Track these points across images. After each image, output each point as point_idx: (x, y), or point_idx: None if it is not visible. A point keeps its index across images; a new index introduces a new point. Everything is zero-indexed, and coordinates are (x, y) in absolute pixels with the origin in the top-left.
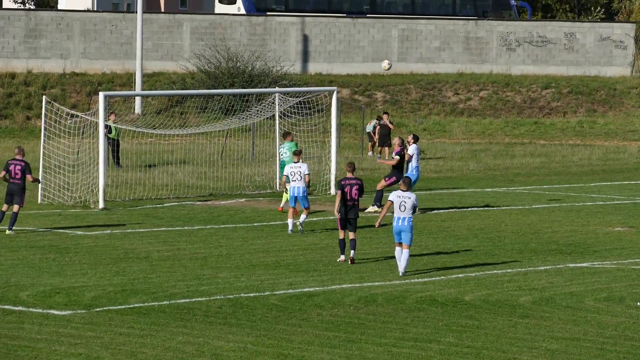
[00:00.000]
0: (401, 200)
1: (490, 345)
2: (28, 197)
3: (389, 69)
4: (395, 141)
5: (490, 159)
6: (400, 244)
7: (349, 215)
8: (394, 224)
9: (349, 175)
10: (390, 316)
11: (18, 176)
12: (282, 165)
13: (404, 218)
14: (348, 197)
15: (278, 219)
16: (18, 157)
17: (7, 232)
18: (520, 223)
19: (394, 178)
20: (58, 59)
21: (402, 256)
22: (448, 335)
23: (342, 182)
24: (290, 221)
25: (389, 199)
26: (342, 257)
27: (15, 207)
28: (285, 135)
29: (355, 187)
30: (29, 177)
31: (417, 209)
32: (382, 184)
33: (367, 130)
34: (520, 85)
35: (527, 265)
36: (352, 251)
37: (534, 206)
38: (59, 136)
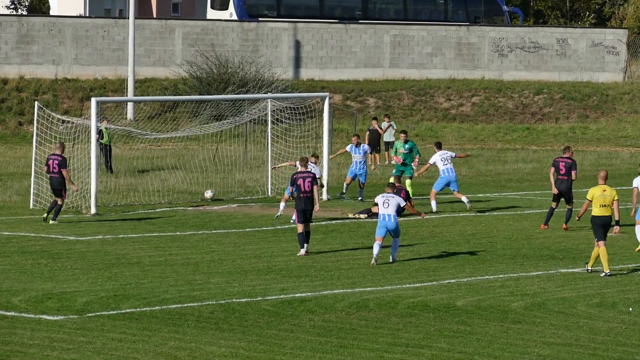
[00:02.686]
0: (384, 199)
1: (482, 350)
2: (21, 202)
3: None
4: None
5: (482, 165)
6: (381, 239)
7: (306, 207)
8: (380, 220)
9: (301, 169)
10: (382, 321)
11: (55, 170)
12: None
13: (389, 215)
14: (302, 190)
15: (269, 224)
16: (57, 151)
17: (51, 222)
18: (512, 229)
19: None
20: (50, 64)
21: (393, 245)
22: (440, 340)
23: (295, 176)
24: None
25: (375, 199)
26: (303, 251)
27: (59, 200)
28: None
29: (307, 180)
30: (63, 172)
31: (401, 209)
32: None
33: (385, 140)
34: (512, 91)
35: (519, 270)
36: (305, 244)
37: (526, 212)
38: (51, 142)
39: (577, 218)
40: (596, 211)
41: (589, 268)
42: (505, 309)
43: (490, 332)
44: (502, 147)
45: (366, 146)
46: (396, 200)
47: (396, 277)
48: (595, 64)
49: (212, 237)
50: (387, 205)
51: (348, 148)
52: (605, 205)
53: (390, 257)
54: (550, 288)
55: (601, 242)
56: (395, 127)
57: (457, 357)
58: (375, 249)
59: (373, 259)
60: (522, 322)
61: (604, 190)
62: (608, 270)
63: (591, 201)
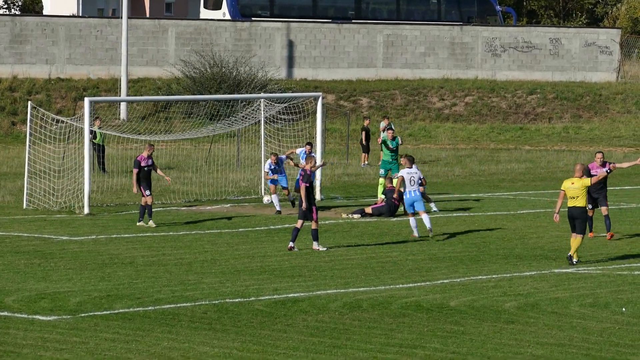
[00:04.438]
0: (410, 175)
1: (476, 351)
2: (14, 202)
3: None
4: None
5: (475, 165)
6: (413, 214)
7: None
8: (407, 197)
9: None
10: (376, 322)
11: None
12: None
13: (415, 190)
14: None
15: (262, 224)
16: (147, 152)
17: (146, 223)
18: (505, 229)
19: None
20: (43, 64)
21: (425, 219)
22: (433, 340)
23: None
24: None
25: (399, 174)
26: (292, 244)
27: (149, 200)
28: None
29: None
30: (158, 172)
31: (424, 182)
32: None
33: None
34: (505, 91)
35: (512, 270)
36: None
37: (519, 212)
38: (44, 141)
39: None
40: (568, 203)
41: (571, 256)
42: (499, 309)
43: (483, 332)
44: (495, 147)
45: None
46: (418, 174)
47: (389, 278)
48: (588, 63)
49: (206, 237)
50: (413, 182)
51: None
52: (574, 197)
53: (428, 226)
54: (543, 288)
55: (574, 234)
56: (393, 129)
57: (450, 358)
58: (412, 223)
59: (415, 232)
60: (516, 322)
61: (572, 183)
62: (571, 254)
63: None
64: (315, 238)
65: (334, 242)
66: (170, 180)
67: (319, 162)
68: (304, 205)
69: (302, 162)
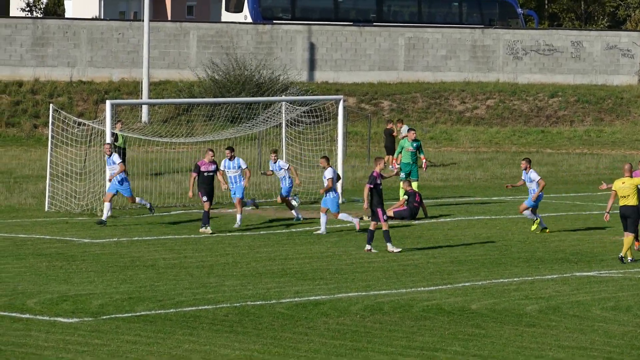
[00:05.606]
0: None
1: (497, 354)
2: (36, 205)
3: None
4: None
5: (497, 168)
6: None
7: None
8: None
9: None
10: (397, 325)
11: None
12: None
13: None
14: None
15: (283, 227)
16: (209, 157)
17: (203, 229)
18: (527, 232)
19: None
20: (65, 67)
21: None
22: (454, 343)
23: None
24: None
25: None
26: (369, 247)
27: (205, 206)
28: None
29: None
30: (219, 176)
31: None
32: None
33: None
34: (527, 94)
35: (534, 274)
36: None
37: (540, 215)
38: (66, 144)
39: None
40: (619, 202)
41: (623, 257)
42: (520, 312)
43: (504, 335)
44: (517, 150)
45: (241, 160)
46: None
47: (410, 281)
48: (610, 67)
49: (227, 240)
50: None
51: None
52: (625, 197)
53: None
54: (565, 291)
55: (626, 233)
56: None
57: None
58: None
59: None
60: (537, 325)
61: (623, 182)
62: (622, 255)
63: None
64: (388, 239)
65: (355, 245)
66: (226, 188)
67: (283, 164)
68: (364, 205)
69: (278, 172)
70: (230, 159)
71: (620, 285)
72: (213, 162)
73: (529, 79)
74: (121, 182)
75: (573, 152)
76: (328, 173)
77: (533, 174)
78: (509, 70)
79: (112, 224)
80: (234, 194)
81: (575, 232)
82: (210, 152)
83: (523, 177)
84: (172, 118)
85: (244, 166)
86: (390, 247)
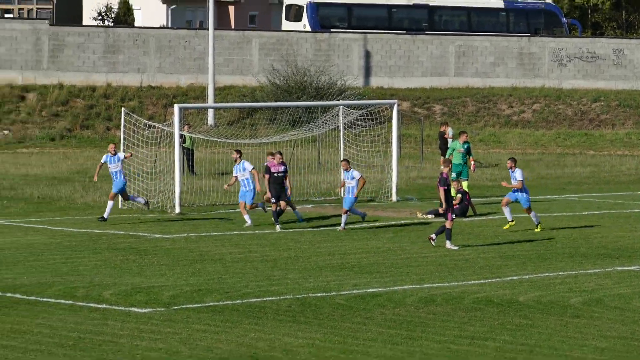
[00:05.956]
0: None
1: (543, 343)
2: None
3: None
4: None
5: (542, 169)
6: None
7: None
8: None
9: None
10: (449, 315)
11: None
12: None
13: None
14: None
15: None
16: (277, 159)
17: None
18: (571, 229)
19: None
20: (135, 73)
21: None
22: (503, 333)
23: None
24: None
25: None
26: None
27: (273, 206)
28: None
29: None
30: (287, 181)
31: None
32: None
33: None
34: (571, 99)
35: (577, 268)
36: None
37: (584, 213)
38: (137, 145)
39: None
40: None
41: None
42: (565, 304)
43: (550, 325)
44: (562, 152)
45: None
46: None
47: (461, 274)
48: None
49: (289, 236)
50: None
51: (103, 159)
52: None
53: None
54: (607, 285)
55: None
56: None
57: (519, 349)
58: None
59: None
60: (581, 316)
61: None
62: None
63: None
64: (448, 237)
65: (409, 241)
66: (291, 192)
67: (356, 174)
68: (442, 208)
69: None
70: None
71: None
72: (282, 163)
73: (572, 84)
74: (123, 180)
75: (614, 154)
76: (356, 173)
77: (518, 173)
78: (554, 76)
79: (181, 219)
80: (243, 197)
81: (617, 230)
82: (279, 155)
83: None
84: (236, 121)
85: (249, 168)
86: (448, 244)
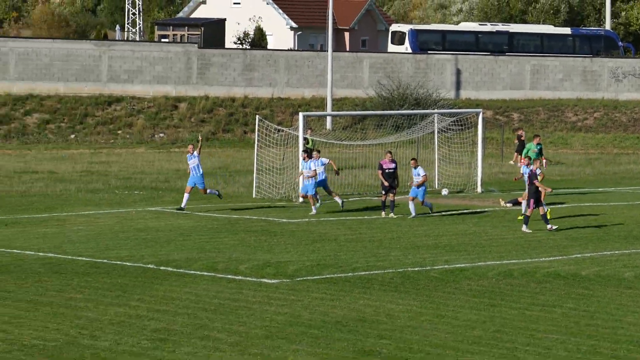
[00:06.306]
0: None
1: (602, 309)
2: (245, 193)
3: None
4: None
5: (602, 166)
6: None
7: None
8: None
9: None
10: (524, 286)
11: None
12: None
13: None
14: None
15: (436, 211)
16: (388, 158)
17: (387, 215)
18: (625, 215)
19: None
20: (267, 87)
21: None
22: (568, 301)
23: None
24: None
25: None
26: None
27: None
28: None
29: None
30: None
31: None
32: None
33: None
34: (625, 108)
35: (630, 248)
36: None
37: (636, 202)
38: (268, 146)
39: None
40: None
41: None
42: (620, 277)
43: (607, 295)
44: (618, 152)
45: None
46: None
47: (534, 252)
48: None
49: (392, 221)
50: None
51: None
52: None
53: None
54: None
55: None
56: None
57: (582, 315)
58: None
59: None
60: (633, 288)
61: None
62: None
63: None
64: (526, 222)
65: (491, 225)
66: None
67: (422, 171)
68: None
69: (306, 171)
70: (304, 160)
71: None
72: (393, 160)
73: (627, 96)
74: (202, 176)
75: None
76: (422, 171)
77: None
78: (612, 90)
79: (303, 207)
80: (307, 191)
81: None
82: (389, 154)
83: (522, 171)
84: (349, 126)
85: (325, 161)
86: (524, 228)
